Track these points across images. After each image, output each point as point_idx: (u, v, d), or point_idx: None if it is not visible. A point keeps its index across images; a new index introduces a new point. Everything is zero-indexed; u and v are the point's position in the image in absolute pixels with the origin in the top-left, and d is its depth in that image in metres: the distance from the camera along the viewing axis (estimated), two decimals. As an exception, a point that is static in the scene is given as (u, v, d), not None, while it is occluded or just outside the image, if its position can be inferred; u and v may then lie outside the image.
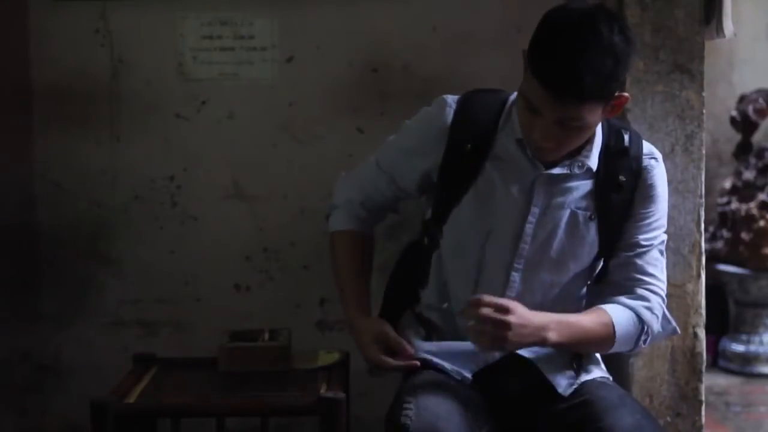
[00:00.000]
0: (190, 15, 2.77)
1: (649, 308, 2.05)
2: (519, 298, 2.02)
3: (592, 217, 2.02)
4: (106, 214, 2.81)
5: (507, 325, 1.88)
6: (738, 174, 4.62)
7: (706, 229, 2.63)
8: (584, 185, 2.02)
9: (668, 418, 2.55)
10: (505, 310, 1.89)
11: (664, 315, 2.09)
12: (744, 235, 4.44)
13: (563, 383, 2.01)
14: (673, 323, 2.12)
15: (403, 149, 2.12)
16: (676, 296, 2.53)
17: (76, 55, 2.77)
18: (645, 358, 2.54)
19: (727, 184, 4.64)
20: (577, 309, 2.09)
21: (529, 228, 2.01)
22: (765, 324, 4.51)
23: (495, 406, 1.99)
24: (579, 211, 2.01)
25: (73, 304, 2.83)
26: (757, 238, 4.42)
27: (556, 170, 1.99)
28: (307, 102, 2.78)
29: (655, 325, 2.06)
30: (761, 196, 4.47)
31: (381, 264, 2.28)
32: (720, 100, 4.72)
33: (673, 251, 2.52)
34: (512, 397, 2.01)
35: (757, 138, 4.68)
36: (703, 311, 2.55)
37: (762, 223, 4.41)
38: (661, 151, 2.48)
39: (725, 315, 4.64)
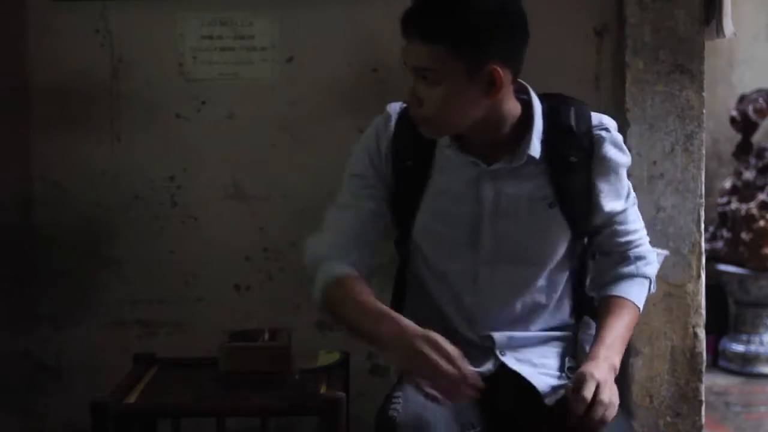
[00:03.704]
0: (190, 15, 2.77)
1: (647, 263, 2.10)
2: (492, 294, 2.02)
3: (552, 204, 1.99)
4: (106, 214, 2.81)
5: (611, 405, 1.88)
6: (738, 174, 4.63)
7: (706, 229, 2.63)
8: (537, 174, 1.99)
9: (668, 418, 2.55)
10: (596, 395, 1.86)
11: (656, 255, 2.14)
12: (744, 235, 4.44)
13: (551, 395, 2.00)
14: (661, 253, 2.18)
15: (359, 175, 2.05)
16: (676, 296, 2.53)
17: (76, 55, 2.77)
18: (645, 358, 2.54)
19: (727, 184, 4.65)
20: (563, 294, 2.09)
21: (485, 229, 1.99)
22: (765, 324, 4.52)
23: (486, 409, 1.99)
24: (537, 201, 1.99)
25: (73, 304, 2.83)
26: (757, 238, 4.42)
27: (496, 165, 1.97)
28: (307, 102, 2.78)
29: (654, 270, 2.13)
30: (761, 196, 4.47)
31: (385, 263, 2.27)
32: (720, 100, 4.72)
33: (673, 251, 2.53)
34: (503, 407, 2.00)
35: (757, 138, 4.68)
36: (703, 311, 2.56)
37: (762, 223, 4.42)
38: (661, 152, 2.49)
39: (725, 315, 4.64)
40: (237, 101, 2.79)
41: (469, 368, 1.78)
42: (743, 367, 4.46)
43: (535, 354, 2.05)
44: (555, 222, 2.00)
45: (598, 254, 2.13)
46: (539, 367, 2.03)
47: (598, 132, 2.01)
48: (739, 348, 4.49)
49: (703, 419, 2.58)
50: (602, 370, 1.92)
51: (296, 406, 2.12)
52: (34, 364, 2.85)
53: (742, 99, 4.68)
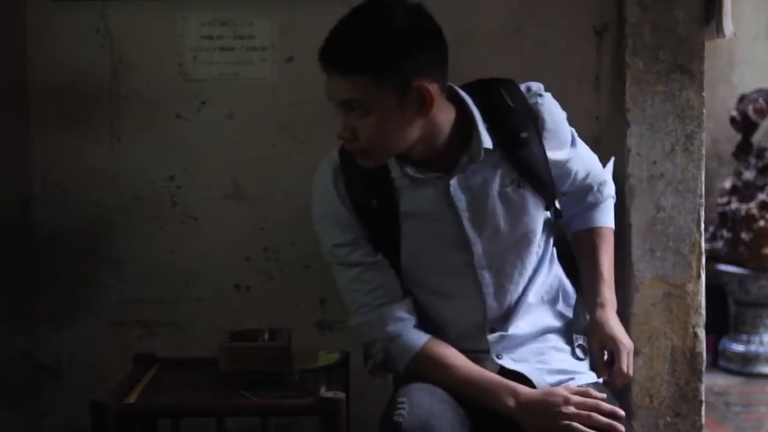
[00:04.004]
0: (190, 15, 2.77)
1: (607, 185, 2.24)
2: (498, 290, 2.04)
3: (521, 184, 2.01)
4: (106, 214, 2.81)
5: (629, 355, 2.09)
6: (738, 174, 4.63)
7: (706, 229, 2.63)
8: (496, 162, 2.00)
9: (668, 418, 2.55)
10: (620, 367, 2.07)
11: (609, 170, 2.28)
12: (744, 235, 4.44)
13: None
14: (609, 164, 2.30)
15: (339, 244, 2.04)
16: (676, 296, 2.53)
17: (76, 55, 2.77)
18: (645, 358, 2.54)
19: (727, 184, 4.65)
20: (552, 256, 2.15)
21: (471, 232, 2.00)
22: (765, 324, 4.52)
23: (492, 414, 1.99)
24: (507, 189, 2.00)
25: (73, 304, 2.83)
26: (757, 238, 4.42)
27: (458, 170, 1.97)
28: (307, 102, 2.78)
29: (611, 183, 2.27)
30: (761, 196, 4.47)
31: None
32: (720, 100, 4.72)
33: (673, 251, 2.52)
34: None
35: (757, 138, 4.68)
36: (703, 311, 2.56)
37: (762, 223, 4.42)
38: (661, 152, 2.50)
39: (725, 315, 4.64)
40: (237, 101, 2.79)
41: (608, 406, 1.92)
42: (743, 367, 4.46)
43: (531, 351, 2.07)
44: (529, 199, 2.03)
45: (570, 198, 2.20)
46: (536, 364, 2.04)
47: (534, 100, 2.02)
48: (739, 348, 4.49)
49: (703, 419, 2.57)
50: (617, 324, 2.10)
51: (296, 406, 2.12)
52: (34, 364, 2.85)
53: (742, 99, 4.68)
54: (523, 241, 2.05)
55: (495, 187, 2.00)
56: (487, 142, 1.96)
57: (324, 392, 2.12)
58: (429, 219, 2.00)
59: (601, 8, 2.72)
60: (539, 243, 2.09)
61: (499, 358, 2.04)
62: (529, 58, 2.70)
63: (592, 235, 2.20)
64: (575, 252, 2.22)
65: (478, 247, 2.01)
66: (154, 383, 2.27)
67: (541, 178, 2.03)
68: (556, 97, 2.12)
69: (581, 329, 2.13)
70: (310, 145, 2.78)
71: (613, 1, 2.66)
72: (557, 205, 2.15)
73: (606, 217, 2.23)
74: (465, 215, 1.99)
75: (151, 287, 2.82)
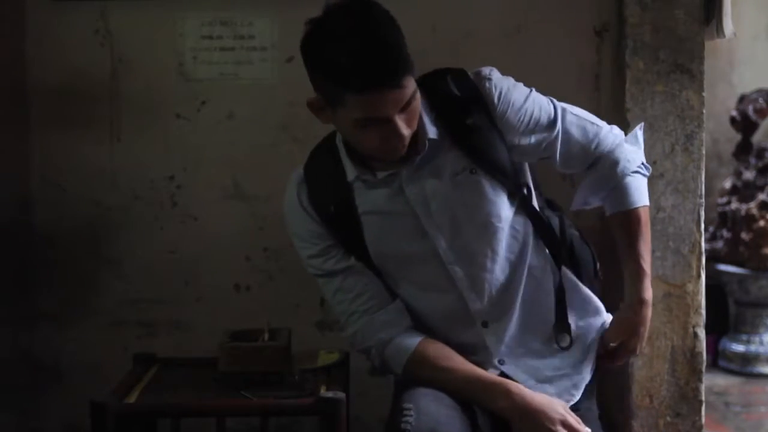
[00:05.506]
0: (190, 15, 2.77)
1: (621, 161, 2.10)
2: (474, 281, 2.01)
3: (473, 170, 1.99)
4: (106, 214, 2.81)
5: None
6: (738, 174, 4.63)
7: (706, 229, 2.63)
8: (445, 151, 1.99)
9: (668, 418, 2.55)
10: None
11: (628, 139, 2.15)
12: (744, 235, 4.44)
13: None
14: (637, 132, 2.19)
15: (316, 255, 2.08)
16: (676, 296, 2.53)
17: (76, 55, 2.77)
18: (645, 358, 2.54)
19: (727, 184, 4.65)
20: (535, 237, 2.07)
21: (430, 228, 2.00)
22: (765, 324, 4.52)
23: (493, 416, 1.99)
24: (458, 175, 1.99)
25: (73, 304, 2.83)
26: (757, 238, 4.42)
27: (406, 168, 1.97)
28: (307, 102, 2.78)
29: (640, 154, 2.15)
30: (761, 196, 4.47)
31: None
32: (720, 100, 4.73)
33: (673, 251, 2.52)
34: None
35: (757, 138, 4.68)
36: (703, 311, 2.56)
37: (762, 223, 4.42)
38: (661, 151, 2.49)
39: (725, 315, 4.64)
40: (237, 101, 2.79)
41: None
42: (743, 367, 4.46)
43: (529, 351, 2.05)
44: (485, 185, 2.00)
45: (578, 176, 2.16)
46: (541, 370, 2.04)
47: (481, 84, 2.01)
48: (739, 348, 4.50)
49: (703, 419, 2.58)
50: (645, 330, 2.11)
51: (296, 406, 2.12)
52: (34, 364, 2.85)
53: (742, 99, 4.68)
54: (488, 228, 2.00)
55: (446, 175, 1.99)
56: (432, 131, 1.97)
57: (324, 392, 2.12)
58: (387, 216, 2.01)
59: (601, 8, 2.72)
60: (517, 228, 2.04)
61: (501, 364, 2.04)
62: (529, 58, 2.69)
63: (625, 220, 2.11)
64: (614, 236, 2.15)
65: (441, 242, 2.00)
66: (154, 383, 2.27)
67: (496, 162, 2.00)
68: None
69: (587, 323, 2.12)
70: (310, 145, 2.76)
71: (613, 1, 2.67)
72: (531, 185, 2.10)
73: (635, 197, 2.11)
74: (420, 210, 1.99)
75: (151, 287, 2.82)
